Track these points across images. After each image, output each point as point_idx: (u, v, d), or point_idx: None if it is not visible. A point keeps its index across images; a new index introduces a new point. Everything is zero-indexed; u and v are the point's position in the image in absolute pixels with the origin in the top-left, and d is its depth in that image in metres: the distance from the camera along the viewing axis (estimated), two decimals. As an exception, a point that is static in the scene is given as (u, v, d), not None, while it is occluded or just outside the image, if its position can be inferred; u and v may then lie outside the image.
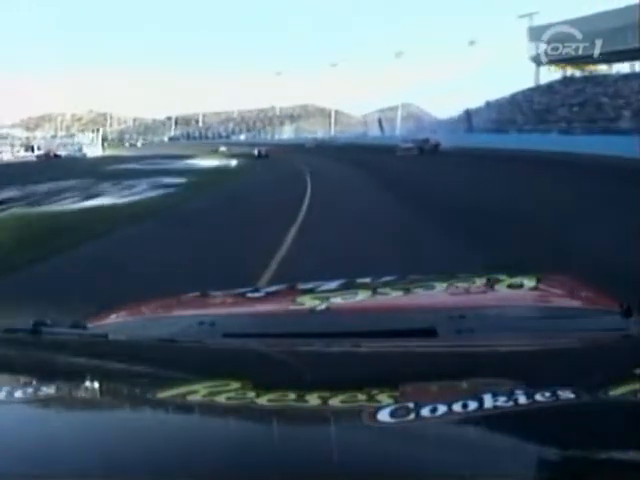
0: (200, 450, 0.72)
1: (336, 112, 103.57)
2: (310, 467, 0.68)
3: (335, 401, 0.81)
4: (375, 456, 0.69)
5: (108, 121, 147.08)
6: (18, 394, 0.90)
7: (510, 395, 0.78)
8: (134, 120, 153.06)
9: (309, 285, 1.97)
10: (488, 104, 59.96)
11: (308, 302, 1.67)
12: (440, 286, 1.82)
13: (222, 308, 1.94)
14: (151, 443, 0.77)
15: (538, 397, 0.78)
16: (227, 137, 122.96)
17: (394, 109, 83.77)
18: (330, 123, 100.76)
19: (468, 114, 59.04)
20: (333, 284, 1.89)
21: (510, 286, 1.77)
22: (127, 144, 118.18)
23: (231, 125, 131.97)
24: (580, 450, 0.69)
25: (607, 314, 1.45)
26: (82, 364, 1.17)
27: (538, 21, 54.93)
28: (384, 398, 0.81)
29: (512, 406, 0.76)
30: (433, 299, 1.75)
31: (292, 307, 1.68)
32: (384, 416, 0.75)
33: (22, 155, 74.61)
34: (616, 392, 0.82)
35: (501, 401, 0.77)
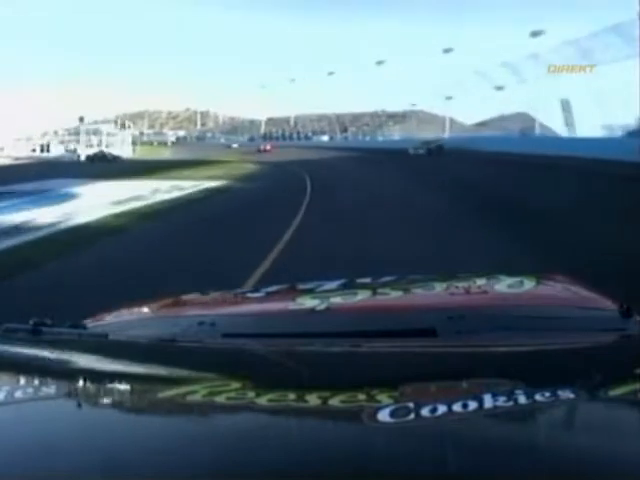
0: (200, 450, 0.72)
1: (445, 118, 79.78)
2: (310, 467, 0.68)
3: (335, 401, 0.81)
4: (375, 456, 0.69)
5: (198, 120, 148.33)
6: (18, 394, 0.90)
7: (510, 395, 0.78)
8: (223, 119, 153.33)
9: (309, 285, 1.97)
10: None
11: (308, 302, 1.67)
12: (440, 286, 1.82)
13: (222, 308, 1.94)
14: (151, 443, 0.77)
15: (538, 397, 0.78)
16: (307, 138, 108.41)
17: (508, 118, 76.90)
18: (444, 127, 77.11)
19: None
20: (333, 284, 1.88)
21: (510, 286, 1.76)
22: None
23: (322, 125, 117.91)
24: (580, 450, 0.69)
25: (607, 314, 1.45)
26: (82, 364, 1.18)
27: None
28: (384, 398, 0.81)
29: (512, 406, 0.76)
30: (433, 299, 1.74)
31: (292, 307, 1.68)
32: (384, 416, 0.74)
33: (14, 157, 63.15)
34: (616, 392, 0.82)
35: (501, 401, 0.77)
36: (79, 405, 0.93)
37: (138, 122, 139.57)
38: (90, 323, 1.60)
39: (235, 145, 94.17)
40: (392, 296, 1.73)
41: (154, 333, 1.46)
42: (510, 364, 1.08)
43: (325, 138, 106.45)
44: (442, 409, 0.75)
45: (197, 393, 0.87)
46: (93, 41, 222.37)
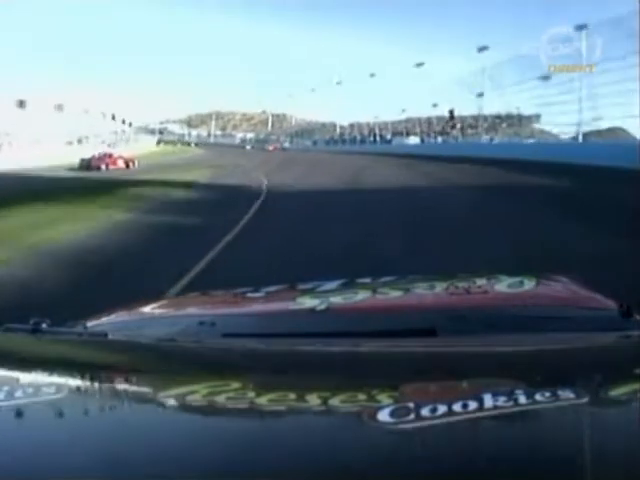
0: (200, 450, 0.72)
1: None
2: (310, 467, 0.68)
3: (335, 401, 0.82)
4: (375, 456, 0.70)
5: (270, 122, 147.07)
6: (18, 394, 0.90)
7: (510, 395, 0.78)
8: (297, 122, 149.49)
9: (309, 285, 1.98)
10: None
11: (308, 302, 1.68)
12: (440, 286, 1.83)
13: (222, 308, 1.95)
14: (151, 443, 0.77)
15: (538, 397, 0.78)
16: (386, 142, 76.49)
17: (604, 132, 65.70)
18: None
19: None
20: (333, 284, 1.89)
21: (510, 286, 1.77)
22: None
23: (408, 126, 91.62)
24: (580, 450, 0.69)
25: (607, 314, 1.46)
26: (82, 364, 1.18)
27: None
28: (384, 398, 0.81)
29: (512, 406, 0.76)
30: (433, 299, 1.75)
31: (292, 307, 1.69)
32: (384, 416, 0.75)
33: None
34: (616, 392, 0.83)
35: (501, 401, 0.77)
36: (79, 405, 0.93)
37: (210, 123, 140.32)
38: (90, 323, 1.61)
39: (248, 147, 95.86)
40: (392, 296, 1.74)
41: (154, 333, 1.46)
42: (510, 364, 1.07)
43: (413, 140, 72.59)
44: (442, 409, 0.75)
45: (197, 393, 0.87)
46: (167, 39, 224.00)
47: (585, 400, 0.80)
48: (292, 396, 0.85)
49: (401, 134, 77.13)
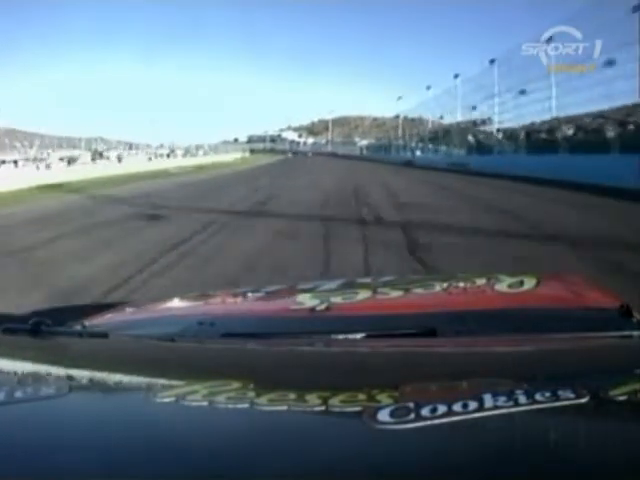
0: (200, 450, 0.72)
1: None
2: (310, 467, 0.68)
3: (335, 401, 0.82)
4: (375, 456, 0.70)
5: (400, 127, 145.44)
6: (18, 394, 0.91)
7: (510, 395, 0.79)
8: (433, 126, 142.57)
9: (309, 285, 1.98)
10: None
11: (308, 302, 1.68)
12: (440, 286, 1.83)
13: (222, 308, 1.94)
14: (151, 443, 0.77)
15: (538, 397, 0.78)
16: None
17: None
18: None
19: None
20: (333, 284, 1.89)
21: (510, 286, 1.76)
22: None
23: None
24: (580, 450, 0.69)
25: (607, 314, 1.46)
26: (82, 364, 1.18)
27: None
28: (384, 398, 0.81)
29: (512, 406, 0.76)
30: (433, 299, 1.75)
31: (292, 307, 1.68)
32: (384, 416, 0.75)
33: None
34: (616, 392, 0.83)
35: (501, 401, 0.77)
36: (79, 405, 0.93)
37: (336, 129, 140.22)
38: (90, 323, 1.62)
39: (290, 155, 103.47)
40: (392, 296, 1.73)
41: (154, 333, 1.47)
42: (510, 364, 1.07)
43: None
44: (442, 409, 0.75)
45: (197, 393, 0.87)
46: (295, 47, 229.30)
47: (585, 400, 0.80)
48: (292, 396, 0.85)
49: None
